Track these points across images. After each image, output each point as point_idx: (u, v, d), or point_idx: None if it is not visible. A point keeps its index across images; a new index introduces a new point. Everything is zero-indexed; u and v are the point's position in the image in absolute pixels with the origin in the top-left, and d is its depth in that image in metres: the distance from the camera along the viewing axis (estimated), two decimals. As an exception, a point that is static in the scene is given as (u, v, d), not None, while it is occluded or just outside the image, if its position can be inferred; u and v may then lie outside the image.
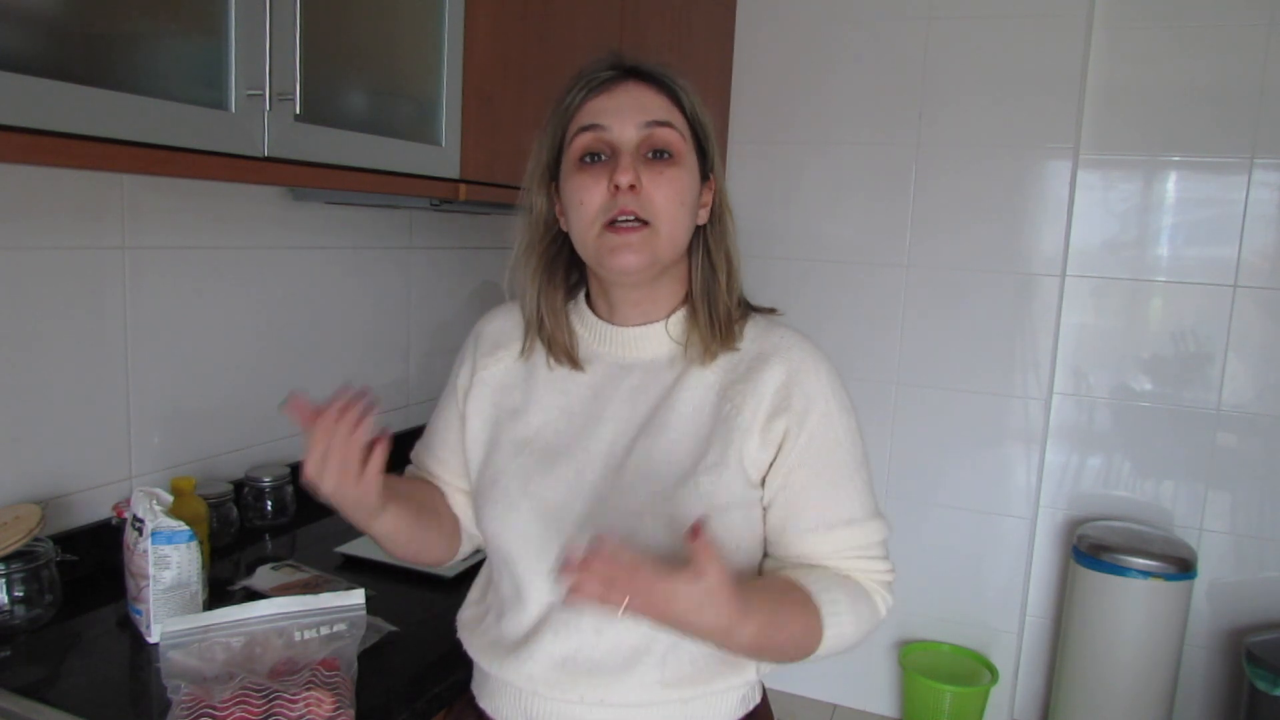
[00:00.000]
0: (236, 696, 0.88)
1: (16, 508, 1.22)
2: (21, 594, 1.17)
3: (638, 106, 0.92)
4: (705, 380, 0.95)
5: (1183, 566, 2.23)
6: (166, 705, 0.90)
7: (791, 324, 1.01)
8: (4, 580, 1.15)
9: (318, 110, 1.18)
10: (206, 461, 1.57)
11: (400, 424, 2.06)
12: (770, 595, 0.86)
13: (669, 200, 0.91)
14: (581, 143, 0.92)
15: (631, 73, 0.94)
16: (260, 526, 1.60)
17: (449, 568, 1.29)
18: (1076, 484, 2.56)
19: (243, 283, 1.61)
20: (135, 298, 1.41)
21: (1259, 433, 2.36)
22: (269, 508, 1.61)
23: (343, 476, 0.84)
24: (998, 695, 2.50)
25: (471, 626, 1.02)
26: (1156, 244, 2.42)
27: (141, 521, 1.14)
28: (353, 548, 1.48)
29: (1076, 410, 2.53)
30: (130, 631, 1.19)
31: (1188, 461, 2.43)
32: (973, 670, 2.52)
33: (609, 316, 1.00)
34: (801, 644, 0.87)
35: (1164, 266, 2.41)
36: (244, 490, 1.60)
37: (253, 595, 1.28)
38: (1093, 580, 2.30)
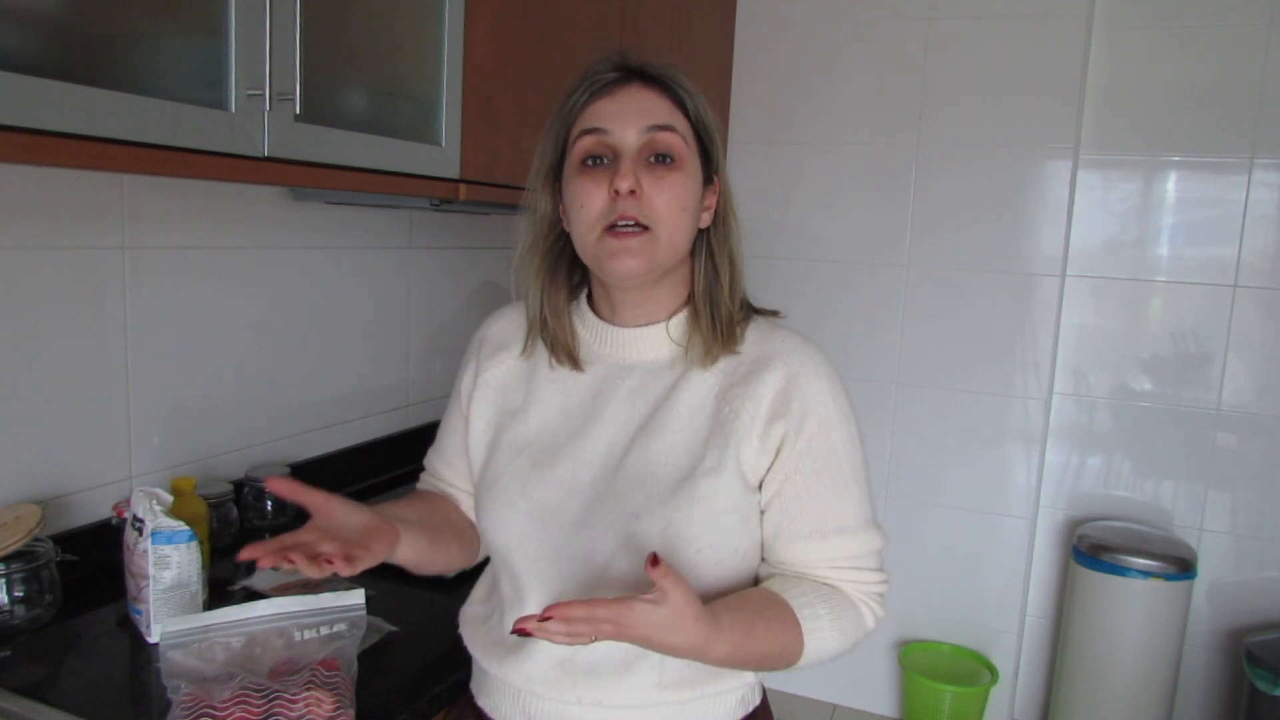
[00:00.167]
0: (236, 696, 0.88)
1: (16, 508, 1.22)
2: (21, 594, 1.17)
3: (640, 110, 0.91)
4: (705, 383, 0.95)
5: (1183, 566, 2.23)
6: (166, 705, 0.90)
7: (794, 327, 1.00)
8: (4, 580, 1.15)
9: (318, 110, 1.18)
10: (206, 461, 1.57)
11: (400, 424, 2.06)
12: (745, 612, 0.86)
13: (669, 205, 0.91)
14: (583, 146, 0.92)
15: (635, 74, 0.94)
16: (260, 526, 1.60)
17: (449, 568, 1.30)
18: (1076, 484, 2.56)
19: (243, 283, 1.61)
20: (135, 298, 1.41)
21: (1259, 433, 2.36)
22: (269, 508, 1.61)
23: (346, 563, 0.83)
24: (998, 695, 2.50)
25: (475, 624, 1.03)
26: (1156, 244, 2.42)
27: (141, 521, 1.14)
28: (353, 548, 1.48)
29: (1076, 410, 2.53)
30: (130, 631, 1.19)
31: (1188, 461, 2.43)
32: (973, 670, 2.52)
33: (610, 317, 1.00)
34: (781, 657, 0.88)
35: (1164, 266, 2.41)
36: (244, 490, 1.60)
37: (253, 595, 1.28)
38: (1093, 580, 2.30)
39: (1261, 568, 2.39)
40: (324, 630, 0.98)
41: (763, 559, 0.96)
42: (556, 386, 1.00)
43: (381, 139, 1.30)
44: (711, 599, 0.83)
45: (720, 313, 0.96)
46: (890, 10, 2.46)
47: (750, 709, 0.99)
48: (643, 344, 0.98)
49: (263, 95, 1.07)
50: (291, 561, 0.79)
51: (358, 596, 1.01)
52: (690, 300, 0.99)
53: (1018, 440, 2.48)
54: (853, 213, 2.57)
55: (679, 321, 0.98)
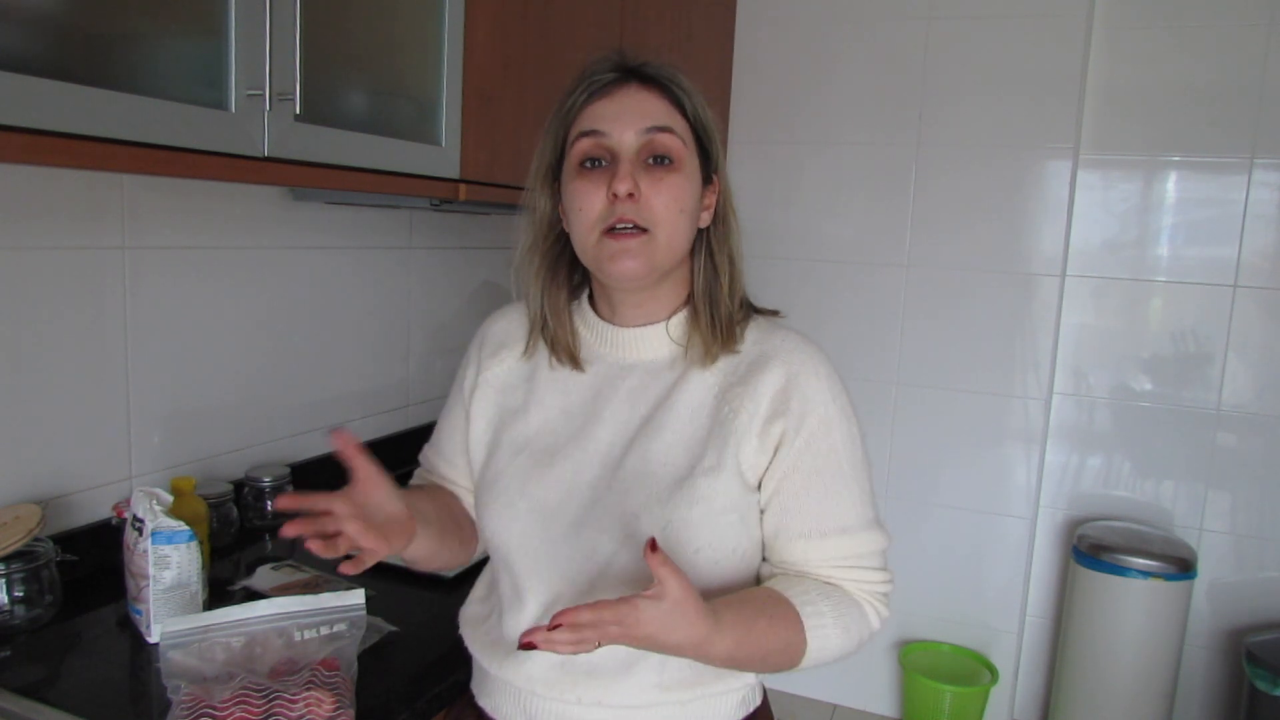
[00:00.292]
0: (236, 696, 0.88)
1: (16, 508, 1.22)
2: (21, 594, 1.17)
3: (638, 112, 0.91)
4: (705, 382, 0.95)
5: (1183, 566, 2.23)
6: (166, 705, 0.90)
7: (794, 326, 1.00)
8: (4, 580, 1.15)
9: (318, 110, 1.18)
10: (206, 461, 1.57)
11: (400, 424, 2.06)
12: (747, 610, 0.86)
13: (668, 207, 0.91)
14: (581, 148, 0.92)
15: (633, 74, 0.93)
16: (260, 526, 1.60)
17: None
18: (1076, 484, 2.56)
19: (243, 283, 1.61)
20: (135, 298, 1.41)
21: (1259, 433, 2.36)
22: (269, 508, 1.61)
23: (354, 565, 0.84)
24: (998, 695, 2.50)
25: (475, 624, 1.03)
26: (1156, 244, 2.42)
27: (141, 521, 1.14)
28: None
29: (1076, 410, 2.53)
30: (130, 631, 1.19)
31: (1188, 461, 2.43)
32: (973, 670, 2.52)
33: (610, 317, 1.00)
34: (785, 655, 0.87)
35: (1164, 266, 2.41)
36: (244, 490, 1.60)
37: (253, 595, 1.28)
38: (1093, 580, 2.30)
39: (1261, 568, 2.39)
40: (324, 630, 0.98)
41: (765, 559, 0.96)
42: (557, 386, 1.00)
43: (381, 139, 1.30)
44: (711, 599, 0.83)
45: (720, 312, 0.96)
46: (890, 10, 2.46)
47: (751, 709, 0.99)
48: (643, 343, 0.98)
49: (263, 95, 1.07)
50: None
51: (358, 596, 1.01)
52: (690, 299, 0.99)
53: (1018, 440, 2.48)
54: (853, 213, 2.57)
55: (679, 321, 0.98)
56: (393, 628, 1.20)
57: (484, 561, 1.08)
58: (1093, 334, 2.49)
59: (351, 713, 0.93)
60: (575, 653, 0.76)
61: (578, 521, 0.92)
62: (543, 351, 1.02)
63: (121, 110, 0.92)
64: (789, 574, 0.94)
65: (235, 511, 1.53)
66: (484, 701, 1.00)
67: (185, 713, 0.87)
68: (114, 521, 1.33)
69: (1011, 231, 2.42)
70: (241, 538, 1.55)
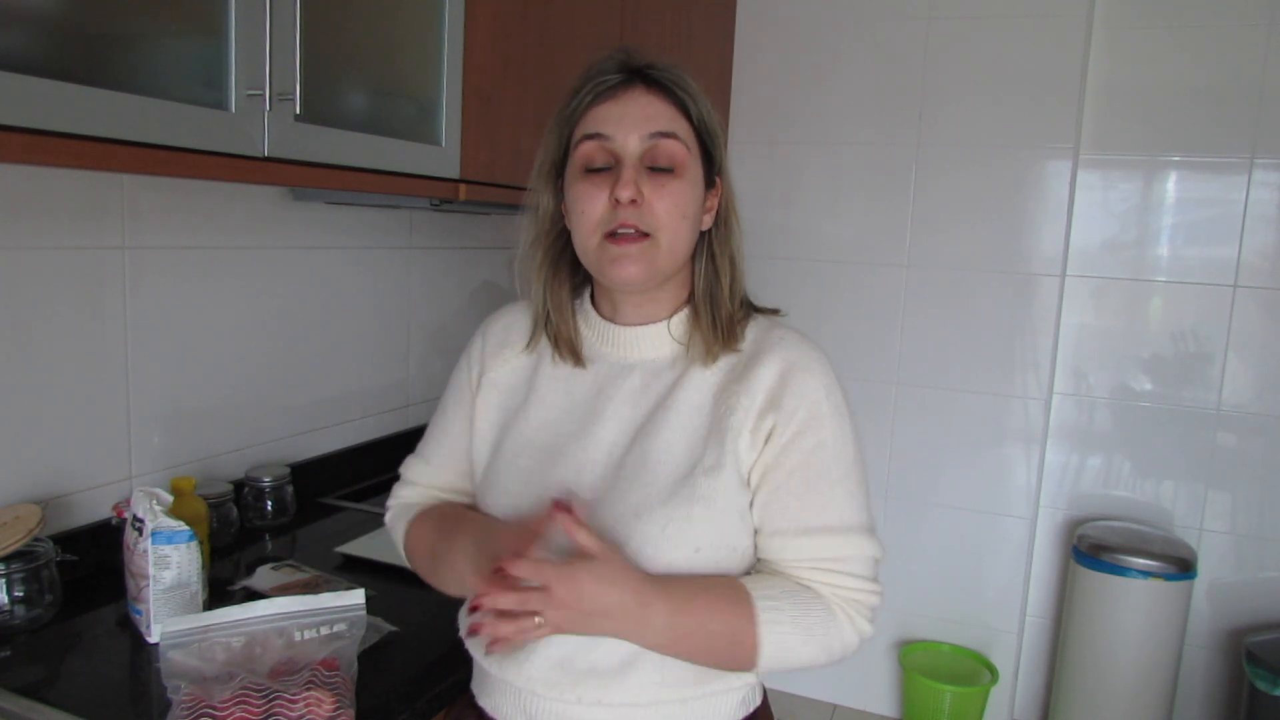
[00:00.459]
0: (236, 696, 0.88)
1: (16, 508, 1.22)
2: (21, 594, 1.17)
3: (643, 116, 0.91)
4: (706, 381, 0.95)
5: (1183, 566, 2.23)
6: (166, 705, 0.90)
7: (793, 324, 1.01)
8: (4, 580, 1.15)
9: (318, 110, 1.18)
10: (206, 461, 1.57)
11: (400, 424, 2.06)
12: (691, 585, 0.86)
13: (670, 213, 0.91)
14: (585, 151, 0.92)
15: (639, 76, 0.93)
16: (260, 526, 1.60)
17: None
18: (1076, 484, 2.56)
19: (243, 283, 1.61)
20: (135, 298, 1.41)
21: (1259, 433, 2.36)
22: (269, 508, 1.61)
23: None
24: (998, 695, 2.50)
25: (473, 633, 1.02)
26: (1156, 244, 2.42)
27: (141, 521, 1.14)
28: (353, 548, 1.48)
29: (1076, 410, 2.53)
30: (130, 631, 1.19)
31: (1188, 461, 2.43)
32: (973, 670, 2.52)
33: (611, 316, 1.00)
34: (734, 643, 0.86)
35: (1164, 266, 2.41)
36: (244, 490, 1.60)
37: (253, 595, 1.28)
38: (1093, 580, 2.30)
39: (1261, 568, 2.39)
40: (324, 630, 0.98)
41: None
42: (559, 385, 1.00)
43: (381, 139, 1.30)
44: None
45: (721, 313, 0.96)
46: (890, 10, 2.46)
47: (751, 709, 0.99)
48: (644, 342, 0.98)
49: (263, 95, 1.07)
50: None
51: (358, 596, 1.01)
52: (691, 299, 0.99)
53: (1018, 440, 2.48)
54: (853, 213, 2.57)
55: (680, 320, 0.98)
56: (393, 628, 1.20)
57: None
58: (1093, 334, 2.49)
59: (351, 713, 0.93)
60: (520, 639, 0.79)
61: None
62: (544, 348, 1.03)
63: (121, 110, 0.92)
64: (763, 572, 0.93)
65: (235, 511, 1.53)
66: (484, 702, 1.00)
67: (185, 713, 0.87)
68: (114, 521, 1.33)
69: (1011, 231, 2.42)
70: (241, 538, 1.55)
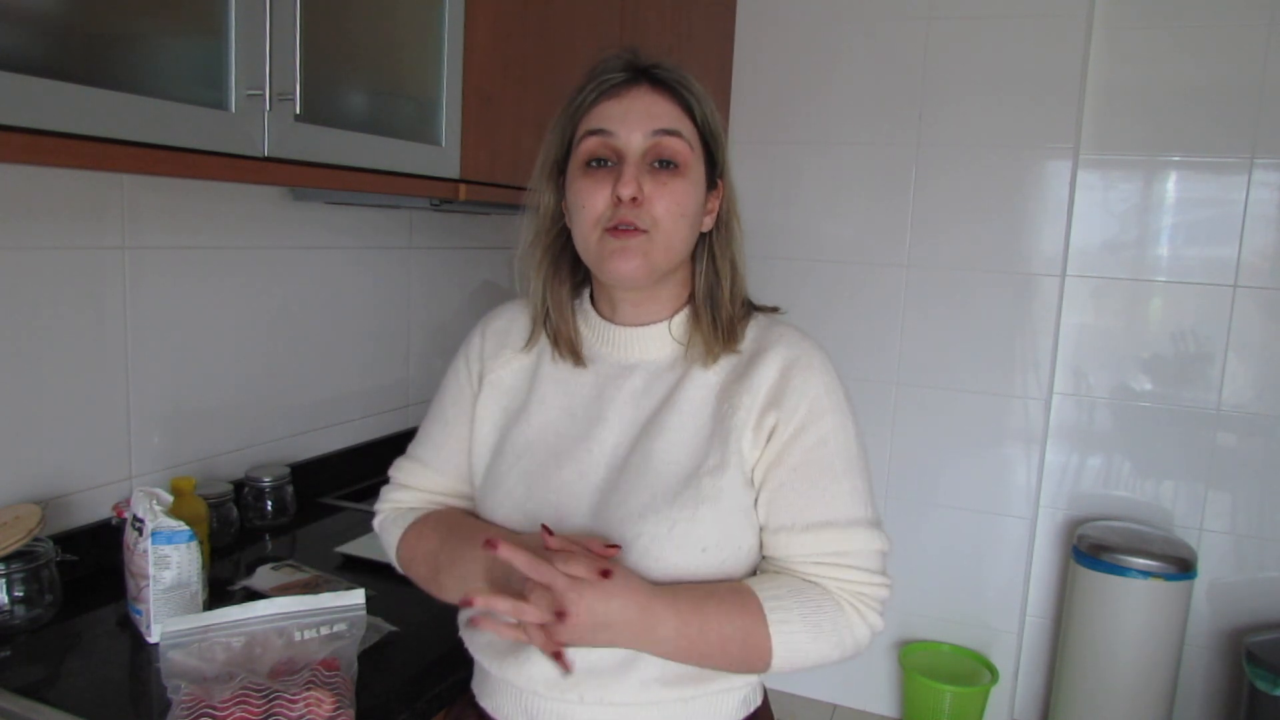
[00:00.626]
0: (236, 696, 0.88)
1: (16, 508, 1.22)
2: (21, 594, 1.17)
3: (647, 113, 0.92)
4: (707, 382, 0.95)
5: (1183, 566, 2.23)
6: (166, 705, 0.90)
7: (793, 322, 1.01)
8: (4, 580, 1.15)
9: (318, 110, 1.18)
10: (206, 461, 1.57)
11: (400, 424, 2.06)
12: (697, 591, 0.86)
13: (670, 212, 0.91)
14: (588, 147, 0.92)
15: (644, 75, 0.94)
16: (260, 526, 1.60)
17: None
18: (1076, 484, 2.56)
19: (243, 283, 1.61)
20: (135, 298, 1.41)
21: (1259, 433, 2.36)
22: (269, 508, 1.61)
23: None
24: (998, 695, 2.50)
25: (473, 625, 1.02)
26: (1156, 244, 2.42)
27: (141, 521, 1.14)
28: (353, 548, 1.48)
29: (1076, 410, 2.53)
30: (130, 631, 1.19)
31: (1188, 461, 2.43)
32: (973, 670, 2.52)
33: (611, 316, 1.00)
34: (746, 647, 0.86)
35: (1164, 266, 2.41)
36: (244, 490, 1.60)
37: (253, 595, 1.28)
38: (1093, 580, 2.30)
39: (1261, 568, 2.39)
40: (324, 630, 0.98)
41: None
42: (559, 386, 1.00)
43: (381, 139, 1.30)
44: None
45: (721, 315, 0.96)
46: (890, 10, 2.46)
47: (752, 709, 0.99)
48: (644, 343, 0.98)
49: (263, 95, 1.07)
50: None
51: (358, 596, 1.01)
52: (691, 300, 0.99)
53: (1018, 440, 2.48)
54: (853, 213, 2.57)
55: (680, 321, 0.98)
56: (393, 628, 1.20)
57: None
58: (1093, 334, 2.49)
59: (351, 713, 0.93)
60: (514, 638, 0.82)
61: (585, 524, 0.92)
62: (543, 348, 1.02)
63: (121, 110, 0.92)
64: (770, 571, 0.93)
65: (235, 511, 1.53)
66: (485, 702, 1.00)
67: (185, 713, 0.87)
68: (114, 521, 1.33)
69: (1011, 231, 2.42)
70: (241, 538, 1.55)
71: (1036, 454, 2.48)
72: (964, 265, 2.47)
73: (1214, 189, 2.34)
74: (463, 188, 1.49)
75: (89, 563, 1.34)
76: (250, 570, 1.37)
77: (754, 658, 0.87)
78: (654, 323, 0.98)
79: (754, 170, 2.63)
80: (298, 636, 0.97)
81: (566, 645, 0.80)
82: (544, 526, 0.83)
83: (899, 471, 2.59)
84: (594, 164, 0.92)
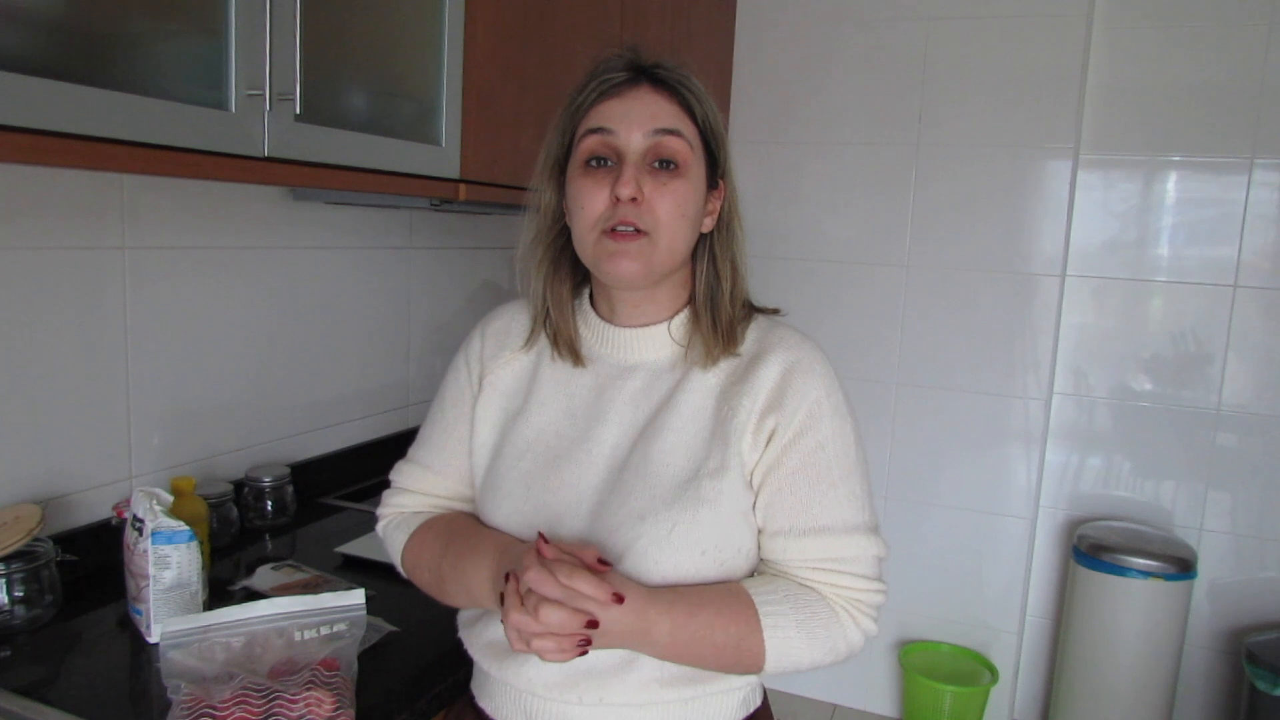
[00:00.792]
0: (236, 696, 0.88)
1: (16, 508, 1.22)
2: (21, 594, 1.17)
3: (648, 113, 0.91)
4: (706, 383, 0.95)
5: (1183, 566, 2.23)
6: (166, 705, 0.90)
7: (793, 324, 1.00)
8: (4, 580, 1.15)
9: (318, 110, 1.18)
10: (206, 461, 1.57)
11: (400, 424, 2.06)
12: (691, 594, 0.86)
13: (670, 212, 0.91)
14: (588, 145, 0.92)
15: (646, 75, 0.93)
16: (260, 526, 1.60)
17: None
18: (1076, 484, 2.56)
19: (243, 283, 1.61)
20: (135, 298, 1.41)
21: (1259, 433, 2.36)
22: (269, 508, 1.61)
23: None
24: (998, 695, 2.50)
25: (471, 625, 1.02)
26: (1156, 244, 2.42)
27: (141, 521, 1.14)
28: (353, 548, 1.48)
29: (1076, 410, 2.53)
30: (130, 631, 1.19)
31: (1188, 461, 2.43)
32: (973, 670, 2.52)
33: (610, 317, 1.00)
34: (740, 650, 0.87)
35: (1164, 266, 2.41)
36: (244, 490, 1.60)
37: (253, 595, 1.28)
38: (1093, 580, 2.30)
39: (1261, 568, 2.39)
40: (324, 630, 0.98)
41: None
42: (559, 386, 1.00)
43: (381, 139, 1.30)
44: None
45: (721, 317, 0.96)
46: (890, 10, 2.46)
47: (752, 710, 0.99)
48: (644, 344, 0.98)
49: (263, 95, 1.07)
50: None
51: (358, 596, 1.01)
52: (691, 301, 0.99)
53: (1018, 440, 2.48)
54: (853, 213, 2.57)
55: (680, 322, 0.98)
56: (393, 628, 1.20)
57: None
58: (1093, 334, 2.49)
59: (351, 713, 0.93)
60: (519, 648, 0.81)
61: (584, 526, 0.92)
62: (543, 349, 1.02)
63: (121, 110, 0.92)
64: (766, 574, 0.93)
65: (235, 511, 1.53)
66: (484, 703, 1.00)
67: (185, 713, 0.87)
68: (114, 521, 1.33)
69: (1011, 232, 2.42)
70: (241, 538, 1.55)
71: (1036, 454, 2.48)
72: (964, 265, 2.47)
73: (1214, 189, 2.34)
74: (463, 188, 1.49)
75: (89, 563, 1.34)
76: (250, 570, 1.37)
77: (747, 660, 0.88)
78: (653, 324, 0.98)
79: (754, 170, 2.63)
80: (298, 636, 0.97)
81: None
82: (540, 535, 0.82)
83: (899, 471, 2.59)
84: (594, 163, 0.92)
